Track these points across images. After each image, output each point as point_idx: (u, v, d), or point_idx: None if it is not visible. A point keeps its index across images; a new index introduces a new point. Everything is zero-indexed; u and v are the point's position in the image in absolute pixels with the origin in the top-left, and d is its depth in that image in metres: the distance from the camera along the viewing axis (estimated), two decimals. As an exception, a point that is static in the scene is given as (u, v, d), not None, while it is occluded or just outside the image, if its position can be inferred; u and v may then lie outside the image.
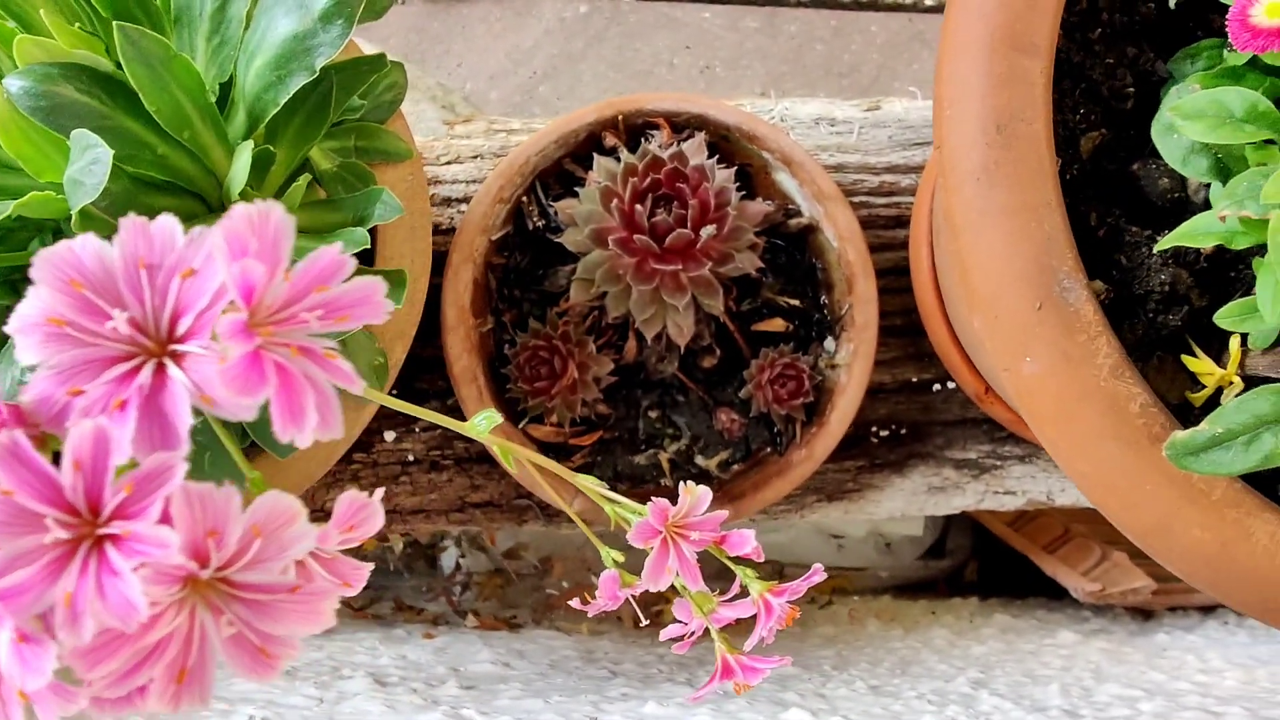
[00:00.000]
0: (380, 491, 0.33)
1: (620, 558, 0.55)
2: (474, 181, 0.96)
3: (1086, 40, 0.65)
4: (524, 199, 0.91)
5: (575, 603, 0.55)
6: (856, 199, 0.99)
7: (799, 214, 0.93)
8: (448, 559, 1.30)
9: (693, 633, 0.54)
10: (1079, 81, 0.64)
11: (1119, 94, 0.64)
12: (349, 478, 0.94)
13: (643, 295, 0.85)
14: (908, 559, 1.41)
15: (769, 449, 0.93)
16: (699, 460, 0.93)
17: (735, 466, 0.93)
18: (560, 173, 0.92)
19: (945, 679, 0.95)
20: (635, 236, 0.84)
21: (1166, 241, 0.54)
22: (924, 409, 1.00)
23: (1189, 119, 0.51)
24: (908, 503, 1.00)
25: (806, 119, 1.03)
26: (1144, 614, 1.24)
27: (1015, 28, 0.57)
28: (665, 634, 0.54)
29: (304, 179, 0.60)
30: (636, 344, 0.90)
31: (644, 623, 1.10)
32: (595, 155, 0.88)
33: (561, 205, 0.88)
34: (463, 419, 0.54)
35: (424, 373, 0.95)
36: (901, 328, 0.99)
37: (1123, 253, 0.61)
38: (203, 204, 0.62)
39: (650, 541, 0.49)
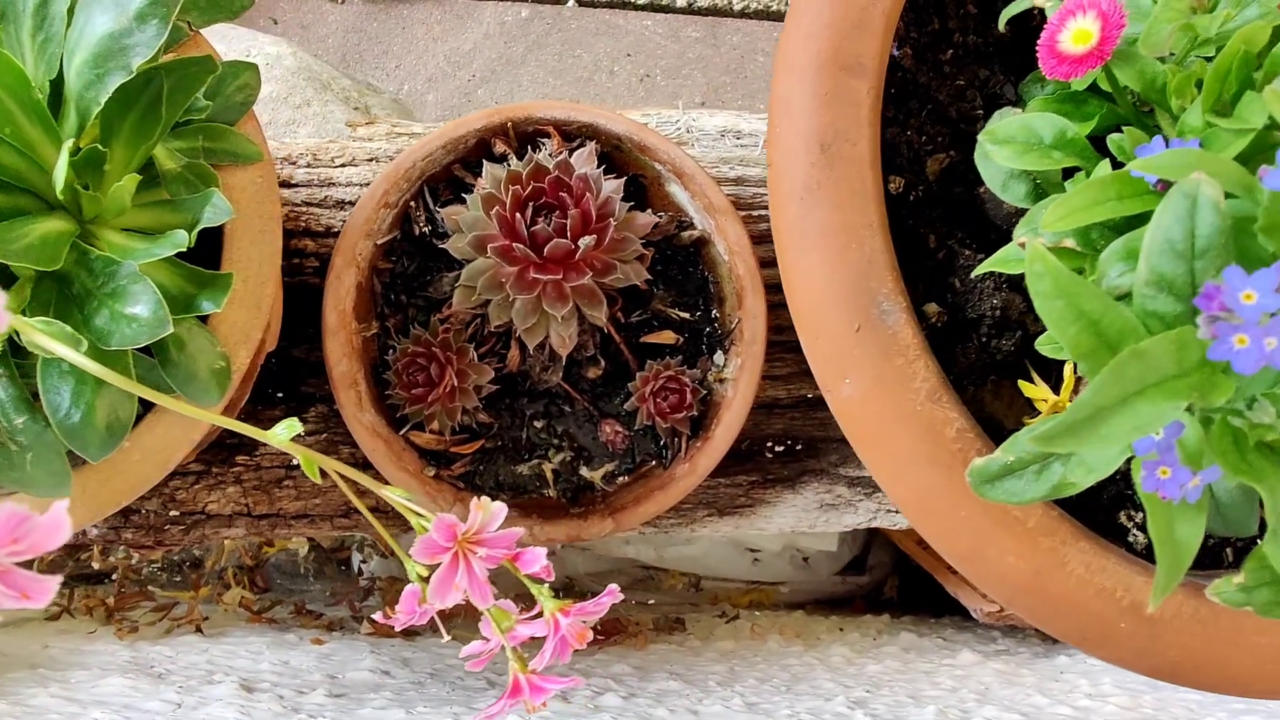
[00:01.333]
0: (62, 504, 0.32)
1: (424, 571, 0.54)
2: (368, 185, 0.95)
3: (937, 61, 0.65)
4: (412, 204, 0.90)
5: (379, 617, 0.54)
6: (756, 212, 0.98)
7: (691, 226, 0.92)
8: (358, 564, 1.29)
9: (493, 649, 0.53)
10: (926, 103, 0.64)
11: (967, 116, 0.64)
12: (231, 481, 0.93)
13: (525, 304, 0.85)
14: (825, 574, 1.40)
15: (654, 462, 0.92)
16: (584, 471, 0.92)
17: (621, 479, 0.93)
18: (451, 179, 0.92)
19: (827, 697, 0.94)
20: (515, 245, 0.83)
21: (983, 267, 0.54)
22: (820, 425, 0.99)
23: (999, 144, 0.51)
24: (799, 519, 0.99)
25: (713, 131, 1.03)
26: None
27: (843, 47, 0.56)
28: (465, 651, 0.53)
29: (130, 179, 0.59)
30: (519, 353, 0.89)
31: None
32: (485, 162, 0.87)
33: (448, 211, 0.88)
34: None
35: (311, 376, 0.95)
36: (797, 343, 0.99)
37: (956, 276, 0.61)
38: (38, 200, 0.61)
39: (438, 557, 0.48)
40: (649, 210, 0.91)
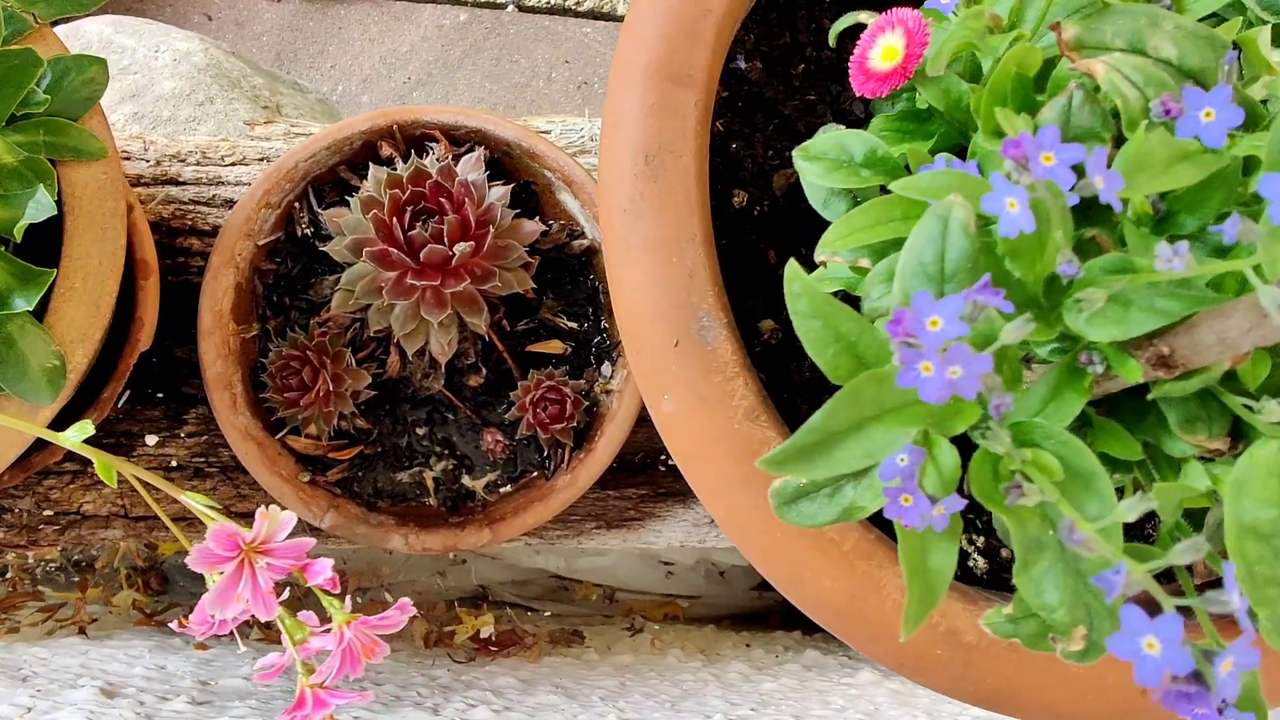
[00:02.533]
0: None
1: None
2: (257, 185, 0.94)
3: (788, 75, 0.64)
4: (296, 205, 0.89)
5: (175, 626, 0.53)
6: (654, 223, 0.97)
7: (582, 235, 0.92)
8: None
9: (286, 662, 0.52)
10: (774, 117, 0.63)
11: (815, 132, 0.63)
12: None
13: (403, 310, 0.84)
14: (741, 589, 1.39)
15: (536, 473, 0.91)
16: (466, 481, 0.91)
17: (504, 489, 0.91)
18: (337, 180, 0.91)
19: (708, 715, 0.93)
20: (391, 250, 0.82)
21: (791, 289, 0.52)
22: (714, 439, 0.98)
23: (810, 160, 0.50)
24: (689, 534, 0.98)
25: (616, 140, 1.02)
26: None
27: (673, 59, 0.56)
28: (259, 664, 0.52)
29: (-55, 172, 0.58)
30: (399, 359, 0.88)
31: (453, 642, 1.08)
32: (371, 165, 0.86)
33: (330, 214, 0.87)
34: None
35: (194, 376, 0.93)
36: (692, 356, 0.98)
37: (791, 293, 0.60)
38: None
39: (219, 567, 0.47)
40: (538, 218, 0.90)
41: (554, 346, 0.91)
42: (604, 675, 1.08)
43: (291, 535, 0.52)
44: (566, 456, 0.90)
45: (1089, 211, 0.42)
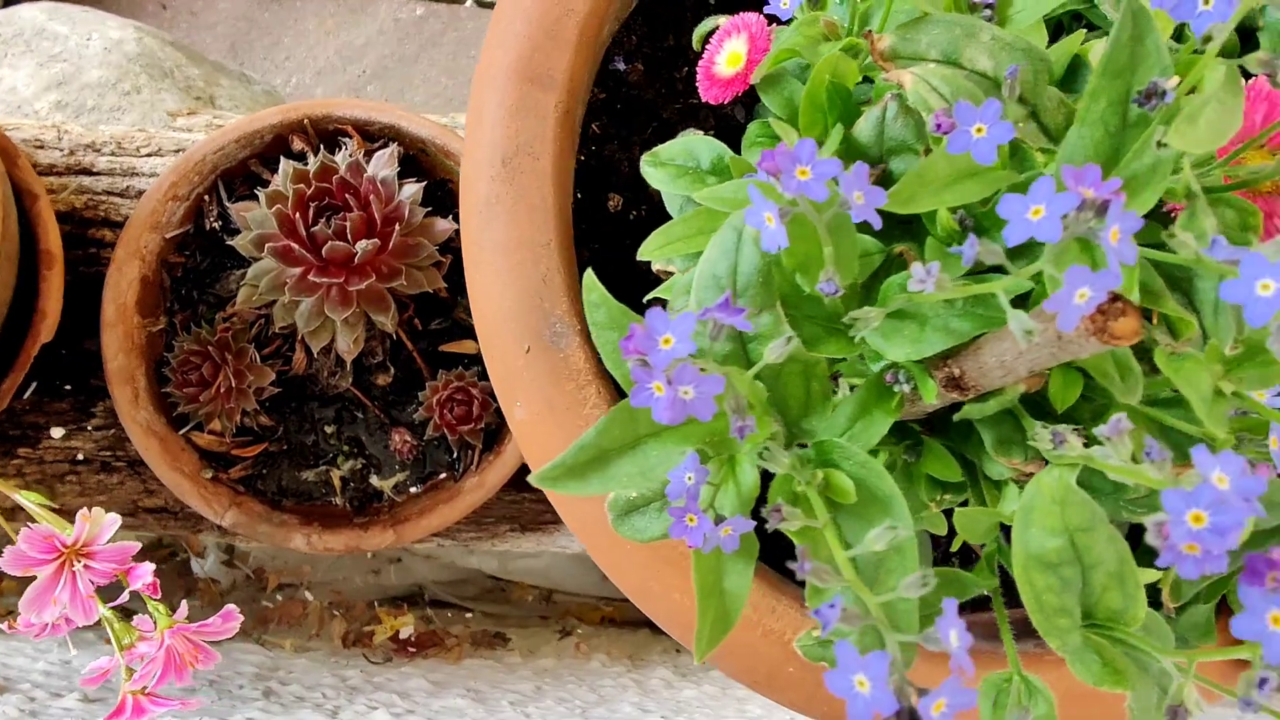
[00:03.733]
0: None
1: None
2: (171, 176, 0.92)
3: (670, 78, 0.63)
4: (205, 198, 0.88)
5: (3, 626, 0.52)
6: (577, 224, 0.96)
7: (498, 235, 0.90)
8: (198, 564, 1.26)
9: (113, 667, 0.50)
10: (653, 120, 0.62)
11: (698, 135, 0.62)
12: (13, 473, 0.91)
13: (309, 307, 0.83)
14: (678, 593, 1.37)
15: (445, 474, 0.90)
16: (374, 480, 0.90)
17: (412, 489, 0.90)
18: (249, 174, 0.89)
19: (615, 723, 0.92)
20: (293, 246, 0.81)
21: (652, 295, 0.52)
22: (633, 444, 0.97)
23: (658, 167, 0.49)
24: (604, 538, 0.97)
25: (544, 139, 1.01)
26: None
27: (533, 59, 0.55)
28: (88, 669, 0.51)
29: None
30: (305, 356, 0.87)
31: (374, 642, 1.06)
32: (283, 159, 0.85)
33: (238, 207, 0.86)
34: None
35: (103, 369, 0.92)
36: (611, 359, 0.97)
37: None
38: None
39: (34, 569, 0.46)
40: (452, 217, 0.89)
41: (468, 347, 0.90)
42: (522, 679, 1.07)
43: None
44: (476, 458, 0.89)
45: (909, 226, 0.41)
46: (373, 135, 0.89)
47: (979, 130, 0.31)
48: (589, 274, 0.38)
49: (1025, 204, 0.27)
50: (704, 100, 0.48)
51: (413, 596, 1.33)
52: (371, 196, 0.82)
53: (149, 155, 0.93)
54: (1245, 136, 0.43)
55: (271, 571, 1.10)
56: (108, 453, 0.92)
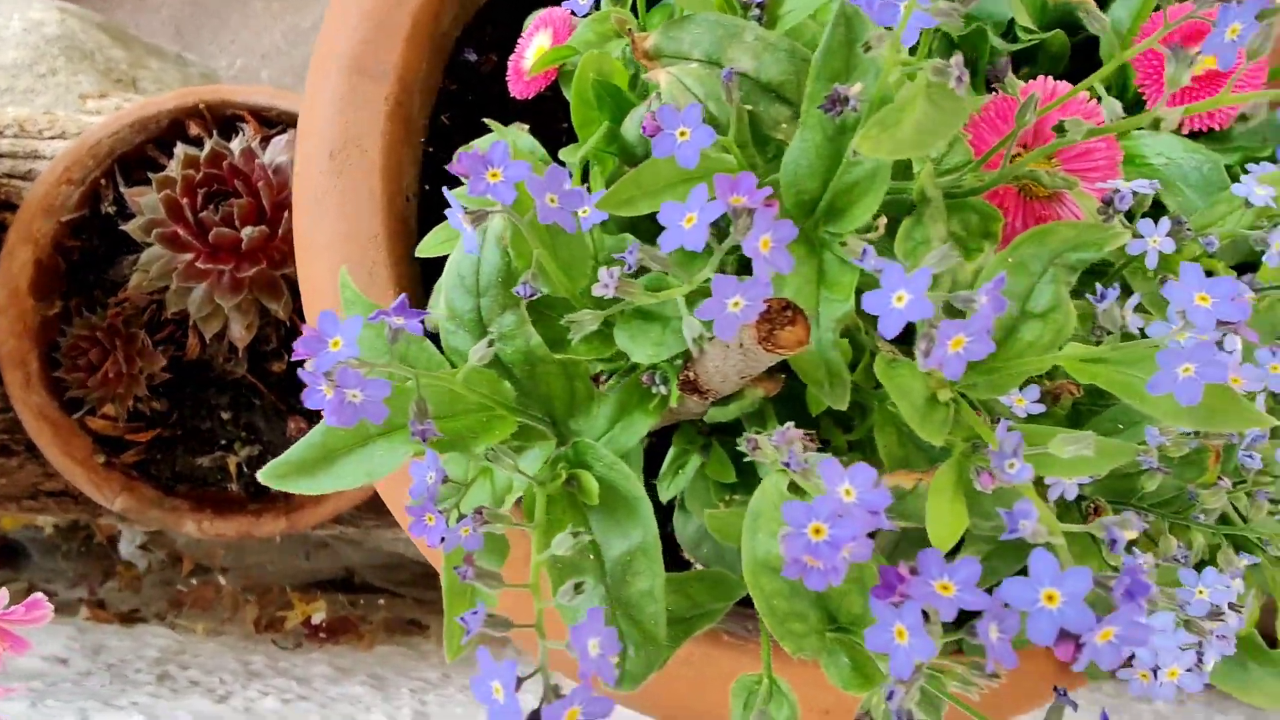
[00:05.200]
0: None
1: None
2: (73, 160, 0.92)
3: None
4: (102, 182, 0.88)
5: None
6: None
7: (399, 223, 0.90)
8: (124, 546, 1.26)
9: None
10: (506, 111, 0.62)
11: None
12: (-90, 455, 0.91)
13: (200, 293, 0.83)
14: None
15: (341, 462, 0.90)
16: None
17: (310, 476, 0.90)
18: (146, 158, 0.89)
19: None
20: (180, 231, 0.81)
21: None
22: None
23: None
24: (507, 528, 0.97)
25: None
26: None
27: (364, 50, 0.54)
28: (-98, 653, 0.51)
29: None
30: (199, 342, 0.87)
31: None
32: (179, 144, 0.85)
33: (132, 192, 0.85)
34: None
35: (2, 353, 0.92)
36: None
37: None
38: None
39: None
40: (352, 204, 0.89)
41: (366, 335, 0.90)
42: (433, 666, 1.07)
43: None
44: (371, 447, 0.89)
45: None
46: (271, 121, 0.89)
47: (682, 134, 0.30)
48: (343, 272, 0.38)
49: (682, 211, 0.27)
50: (514, 95, 0.48)
51: (343, 581, 1.33)
52: (262, 183, 0.82)
53: (53, 138, 0.93)
54: (1036, 141, 0.43)
55: (187, 556, 1.10)
56: (5, 436, 0.92)
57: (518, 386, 0.38)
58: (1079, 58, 0.54)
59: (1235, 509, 0.42)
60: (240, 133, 0.87)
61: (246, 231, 0.80)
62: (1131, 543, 0.43)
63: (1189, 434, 0.36)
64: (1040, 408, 0.38)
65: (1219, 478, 0.40)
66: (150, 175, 0.85)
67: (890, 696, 0.26)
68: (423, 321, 0.33)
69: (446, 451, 0.35)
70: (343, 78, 0.54)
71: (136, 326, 0.85)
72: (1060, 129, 0.32)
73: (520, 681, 0.27)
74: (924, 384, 0.32)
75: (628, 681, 0.37)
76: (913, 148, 0.30)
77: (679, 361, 0.39)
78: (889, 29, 0.30)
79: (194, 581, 1.14)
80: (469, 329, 0.37)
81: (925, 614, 0.25)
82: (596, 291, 0.30)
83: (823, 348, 0.32)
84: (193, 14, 1.63)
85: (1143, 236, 0.36)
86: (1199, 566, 0.40)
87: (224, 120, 0.89)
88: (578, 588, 0.30)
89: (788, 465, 0.29)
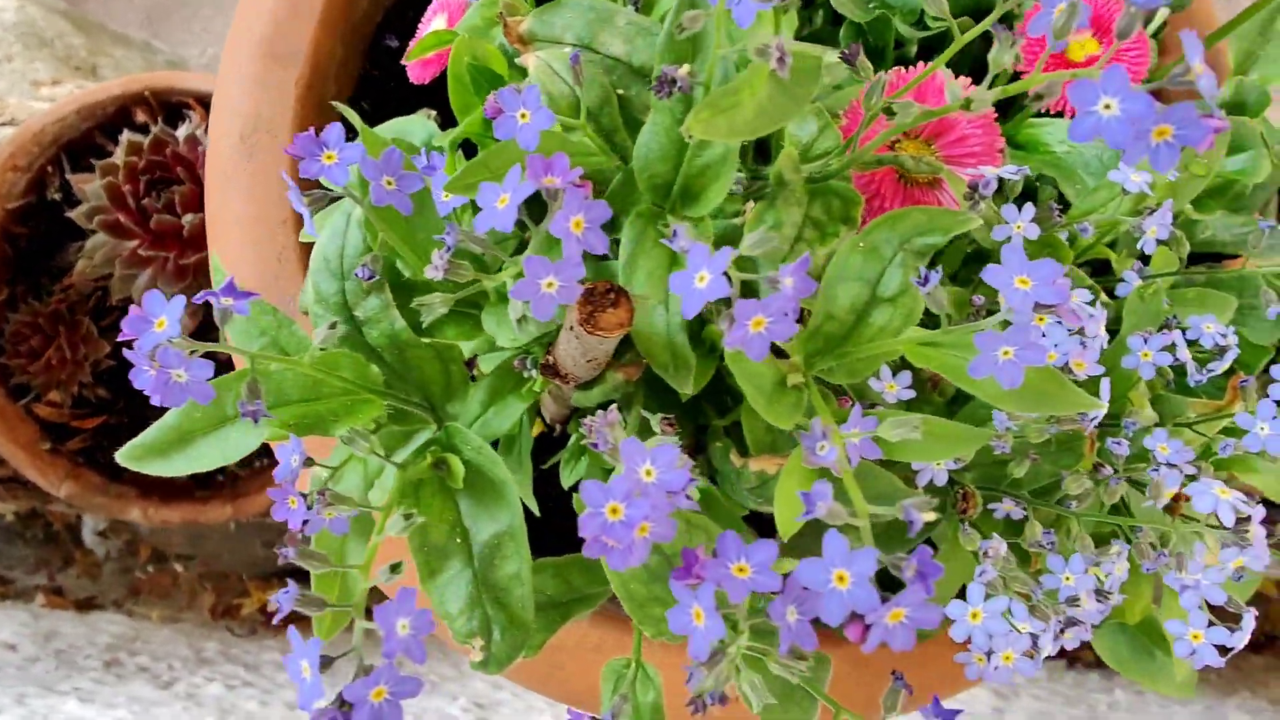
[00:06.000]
0: None
1: None
2: (23, 147, 0.92)
3: (447, 56, 0.62)
4: (48, 169, 0.88)
5: None
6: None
7: (347, 211, 0.90)
8: (87, 534, 1.26)
9: None
10: (425, 96, 0.62)
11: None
12: None
13: (145, 280, 0.83)
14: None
15: (288, 449, 0.90)
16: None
17: (257, 464, 0.90)
18: (93, 145, 0.89)
19: (453, 695, 0.93)
20: (121, 218, 0.81)
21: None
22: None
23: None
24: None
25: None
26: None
27: (276, 34, 0.54)
28: None
29: None
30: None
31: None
32: (126, 131, 0.85)
33: (78, 179, 0.85)
34: None
35: (-48, 339, 0.92)
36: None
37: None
38: None
39: None
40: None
41: (314, 323, 0.90)
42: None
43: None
44: (318, 434, 0.89)
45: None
46: (218, 108, 0.88)
47: (523, 116, 0.30)
48: (214, 257, 0.38)
49: (497, 192, 0.27)
50: (413, 80, 0.48)
51: (302, 569, 1.33)
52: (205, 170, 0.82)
53: (3, 125, 0.93)
54: (925, 128, 0.42)
55: (143, 544, 1.10)
56: (-45, 422, 0.92)
57: (389, 370, 0.38)
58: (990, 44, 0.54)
59: (1124, 497, 0.42)
60: (187, 120, 0.87)
61: (188, 218, 0.80)
62: (1015, 528, 0.43)
63: (1047, 420, 0.36)
64: (911, 393, 0.38)
65: (1099, 464, 0.40)
66: (95, 162, 0.85)
67: (690, 679, 0.26)
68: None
69: (306, 434, 0.35)
70: (254, 60, 0.54)
71: (81, 313, 0.85)
72: (889, 111, 0.32)
73: (329, 661, 0.27)
74: (774, 369, 0.32)
75: (493, 664, 0.37)
76: (752, 130, 0.30)
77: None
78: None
79: (151, 569, 1.14)
80: (336, 313, 0.37)
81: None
82: (427, 274, 0.30)
83: (671, 332, 0.32)
84: (163, 1, 1.63)
85: (1007, 222, 0.36)
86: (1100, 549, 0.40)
87: (171, 107, 0.89)
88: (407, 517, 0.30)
89: (595, 447, 0.29)
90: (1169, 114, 0.22)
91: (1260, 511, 0.33)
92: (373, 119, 0.62)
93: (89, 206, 0.82)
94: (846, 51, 0.33)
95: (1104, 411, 0.33)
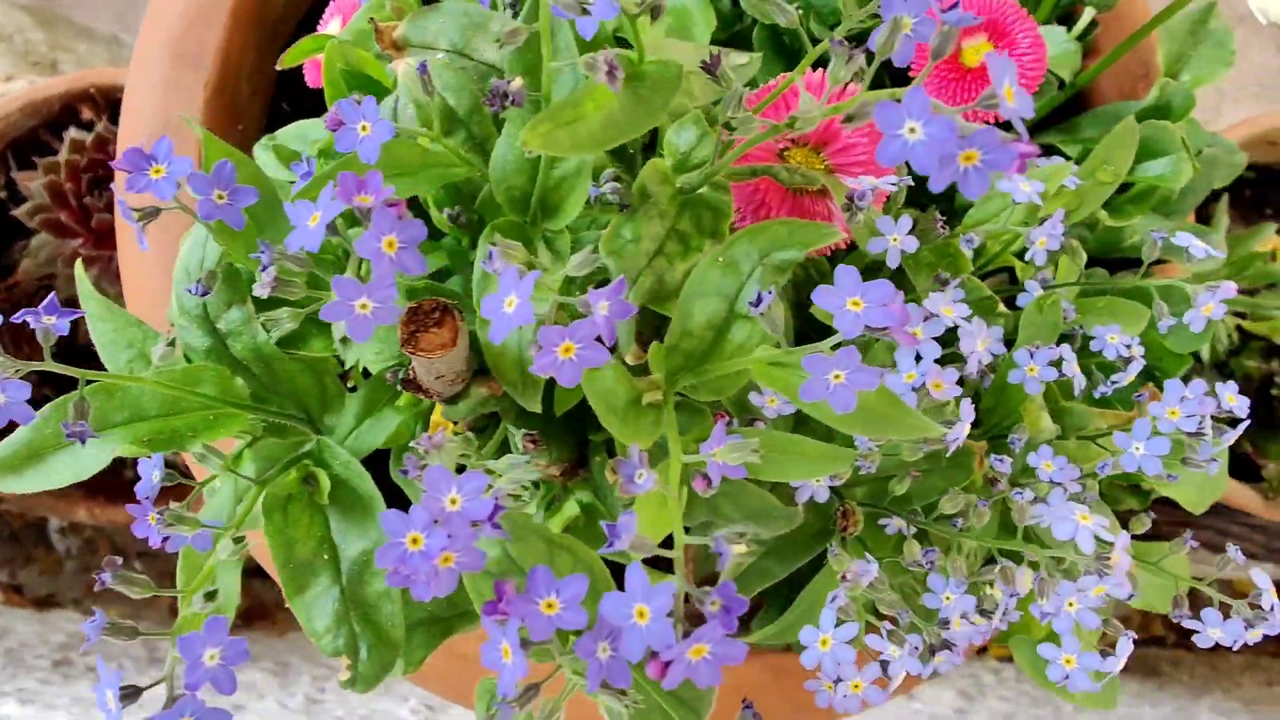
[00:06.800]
0: None
1: None
2: (-28, 144, 0.91)
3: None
4: (-6, 167, 0.87)
5: None
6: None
7: (297, 209, 0.89)
8: (51, 531, 1.26)
9: None
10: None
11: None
12: None
13: (89, 280, 0.82)
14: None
15: (237, 449, 0.90)
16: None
17: (207, 464, 0.90)
18: (39, 142, 0.88)
19: (403, 697, 0.92)
20: (62, 218, 0.80)
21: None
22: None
23: (270, 150, 0.48)
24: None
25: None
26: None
27: (184, 37, 0.53)
28: None
29: None
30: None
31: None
32: (73, 129, 0.84)
33: (22, 177, 0.85)
34: None
35: (-100, 337, 0.91)
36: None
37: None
38: None
39: None
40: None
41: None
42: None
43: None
44: (267, 434, 0.88)
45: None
46: (165, 106, 0.88)
47: (364, 129, 0.30)
48: (78, 265, 0.37)
49: (310, 209, 0.26)
50: (310, 84, 0.47)
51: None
52: (148, 169, 0.81)
53: (-48, 122, 0.92)
54: (824, 137, 0.42)
55: (101, 542, 1.10)
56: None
57: (258, 383, 0.37)
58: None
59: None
60: (134, 117, 0.87)
61: (128, 217, 0.79)
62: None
63: (917, 440, 0.35)
64: (792, 408, 0.37)
65: (993, 480, 0.39)
66: (38, 160, 0.85)
67: (499, 713, 0.26)
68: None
69: (163, 450, 0.35)
70: (163, 63, 0.53)
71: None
72: (727, 126, 0.31)
73: (138, 691, 0.26)
74: (628, 387, 0.32)
75: (361, 683, 0.37)
76: (599, 143, 0.29)
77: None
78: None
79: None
80: (198, 325, 0.36)
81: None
82: (255, 291, 0.29)
83: (521, 349, 0.32)
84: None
85: (883, 235, 0.35)
86: (987, 568, 0.39)
87: (117, 104, 0.88)
88: (238, 541, 0.29)
89: (404, 473, 0.28)
90: (973, 139, 0.22)
91: (1125, 539, 0.32)
92: (294, 117, 0.62)
93: (32, 205, 0.81)
94: (707, 62, 0.32)
95: (961, 434, 0.33)
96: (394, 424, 0.38)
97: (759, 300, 0.28)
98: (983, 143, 0.22)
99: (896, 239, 0.35)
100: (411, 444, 0.31)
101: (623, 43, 0.39)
